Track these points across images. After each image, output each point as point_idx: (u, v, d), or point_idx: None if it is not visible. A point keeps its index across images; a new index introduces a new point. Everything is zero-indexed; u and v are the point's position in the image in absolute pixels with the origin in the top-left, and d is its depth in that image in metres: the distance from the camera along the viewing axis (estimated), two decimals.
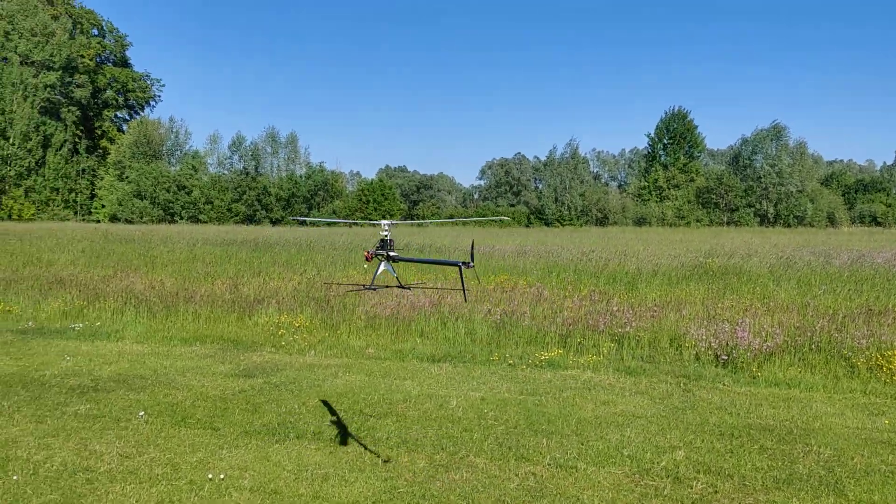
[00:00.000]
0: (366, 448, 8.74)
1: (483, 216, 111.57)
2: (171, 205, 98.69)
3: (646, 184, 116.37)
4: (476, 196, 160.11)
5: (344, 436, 9.21)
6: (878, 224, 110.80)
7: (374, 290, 8.44)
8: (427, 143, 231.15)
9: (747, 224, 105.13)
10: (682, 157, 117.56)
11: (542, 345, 14.47)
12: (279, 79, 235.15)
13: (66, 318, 17.52)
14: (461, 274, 7.73)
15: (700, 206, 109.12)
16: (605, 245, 42.41)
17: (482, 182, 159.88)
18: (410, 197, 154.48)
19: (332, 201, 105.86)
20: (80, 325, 16.80)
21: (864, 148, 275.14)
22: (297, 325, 16.05)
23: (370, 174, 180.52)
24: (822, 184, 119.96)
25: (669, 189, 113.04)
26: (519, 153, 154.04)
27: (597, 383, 12.02)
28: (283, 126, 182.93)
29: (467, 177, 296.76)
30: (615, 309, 15.92)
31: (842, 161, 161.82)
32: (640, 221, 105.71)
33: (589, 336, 14.45)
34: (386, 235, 8.26)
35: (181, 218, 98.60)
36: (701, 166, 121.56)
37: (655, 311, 15.71)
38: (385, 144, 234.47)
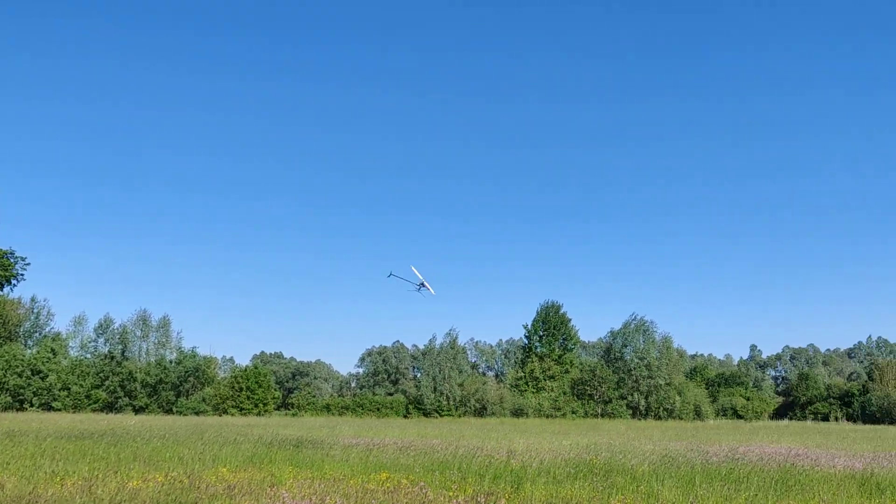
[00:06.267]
0: None
1: (361, 405, 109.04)
2: (21, 391, 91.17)
3: (522, 374, 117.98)
4: (353, 384, 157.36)
5: None
6: (740, 417, 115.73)
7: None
8: (305, 329, 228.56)
9: (620, 416, 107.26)
10: (557, 349, 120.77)
11: None
12: (152, 263, 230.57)
13: None
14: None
15: (575, 398, 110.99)
16: (486, 437, 41.84)
17: (361, 370, 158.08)
18: (285, 384, 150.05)
19: (203, 388, 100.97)
20: None
21: (722, 343, 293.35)
22: None
23: (245, 360, 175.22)
24: (686, 377, 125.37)
25: (545, 380, 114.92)
26: (398, 341, 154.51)
27: None
28: (157, 310, 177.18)
29: (347, 364, 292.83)
30: None
31: (703, 355, 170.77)
32: (518, 412, 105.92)
33: None
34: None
35: (31, 405, 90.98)
36: (575, 358, 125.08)
37: None
38: (262, 330, 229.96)
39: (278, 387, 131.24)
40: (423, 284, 62.27)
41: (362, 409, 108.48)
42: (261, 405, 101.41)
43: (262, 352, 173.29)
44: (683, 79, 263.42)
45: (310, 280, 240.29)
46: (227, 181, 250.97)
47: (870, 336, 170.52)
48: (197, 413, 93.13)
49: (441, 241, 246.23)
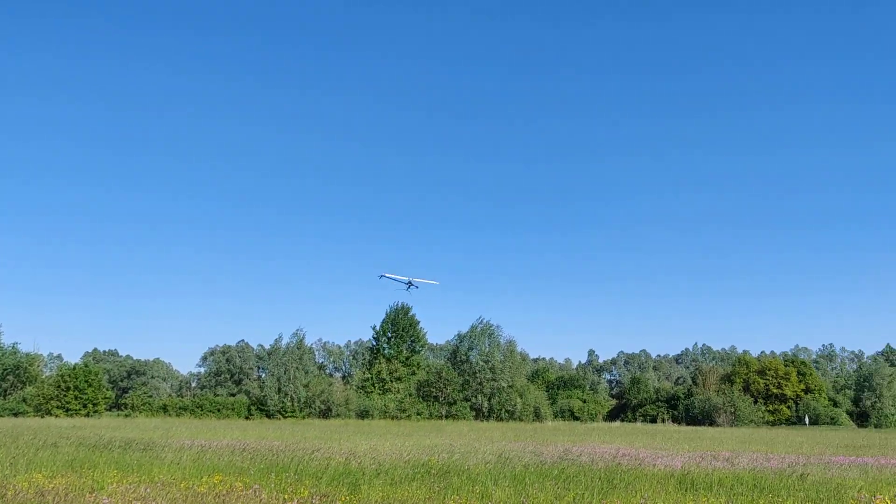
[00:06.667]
0: None
1: (200, 406, 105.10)
2: None
3: (369, 376, 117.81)
4: (194, 384, 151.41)
5: None
6: (576, 418, 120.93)
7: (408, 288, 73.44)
8: (143, 326, 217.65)
9: (464, 417, 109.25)
10: (404, 351, 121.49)
11: None
12: None
13: None
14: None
15: (421, 399, 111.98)
16: (329, 439, 41.39)
17: (202, 369, 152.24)
18: (120, 384, 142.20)
19: (24, 387, 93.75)
20: None
21: (563, 348, 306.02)
22: None
23: (75, 358, 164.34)
24: (528, 380, 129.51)
25: (392, 382, 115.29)
26: (242, 340, 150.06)
27: None
28: None
29: (188, 364, 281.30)
30: None
31: (545, 359, 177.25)
32: (363, 414, 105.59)
33: None
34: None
35: None
36: (423, 360, 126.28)
37: None
38: (96, 327, 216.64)
39: (111, 386, 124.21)
40: (411, 283, 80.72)
41: (202, 410, 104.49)
42: (90, 405, 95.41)
43: (95, 349, 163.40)
44: (548, 94, 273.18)
45: (149, 275, 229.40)
46: (62, 169, 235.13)
47: (696, 343, 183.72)
48: (15, 414, 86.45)
49: (290, 237, 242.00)
